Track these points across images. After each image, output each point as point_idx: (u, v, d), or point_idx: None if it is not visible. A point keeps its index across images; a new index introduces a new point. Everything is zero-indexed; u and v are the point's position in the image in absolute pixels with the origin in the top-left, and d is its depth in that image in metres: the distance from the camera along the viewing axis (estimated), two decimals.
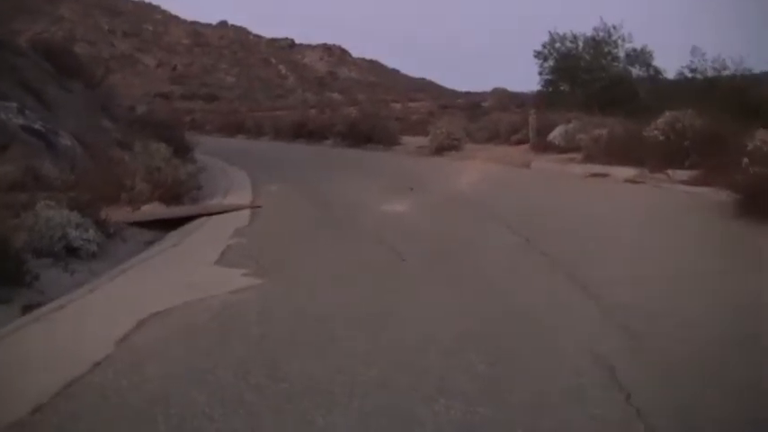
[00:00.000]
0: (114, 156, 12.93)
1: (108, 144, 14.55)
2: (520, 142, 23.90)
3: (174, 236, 10.00)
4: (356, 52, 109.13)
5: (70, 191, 10.41)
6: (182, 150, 18.49)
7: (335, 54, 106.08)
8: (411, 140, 28.53)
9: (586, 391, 4.00)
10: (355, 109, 45.72)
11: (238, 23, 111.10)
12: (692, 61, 25.39)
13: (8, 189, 10.25)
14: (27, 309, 6.38)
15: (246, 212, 11.61)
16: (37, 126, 12.45)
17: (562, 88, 30.11)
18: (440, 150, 24.08)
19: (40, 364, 4.71)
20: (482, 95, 59.90)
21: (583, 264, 7.23)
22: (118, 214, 10.55)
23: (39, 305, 6.46)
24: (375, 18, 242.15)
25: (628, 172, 15.15)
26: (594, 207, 11.70)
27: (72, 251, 8.27)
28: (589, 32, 29.53)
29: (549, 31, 29.68)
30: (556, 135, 21.05)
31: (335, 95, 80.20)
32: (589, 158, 17.65)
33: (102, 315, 5.92)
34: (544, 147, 21.15)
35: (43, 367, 4.64)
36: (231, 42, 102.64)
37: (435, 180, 16.35)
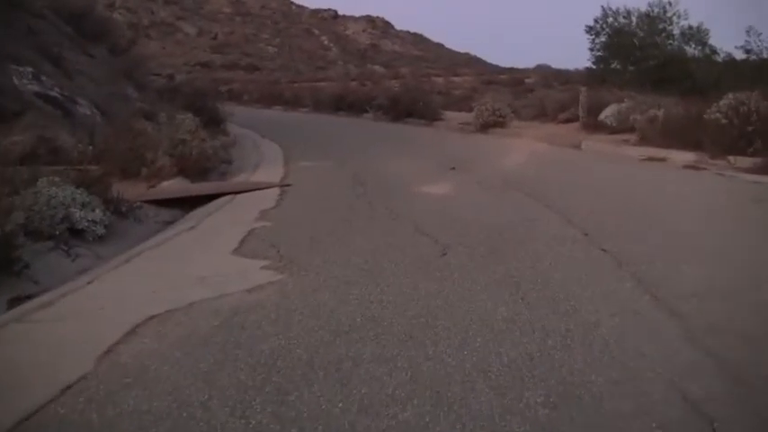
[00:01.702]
0: (137, 126, 12.07)
1: (132, 114, 13.69)
2: (568, 121, 22.81)
3: (193, 217, 9.17)
4: (400, 25, 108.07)
5: (88, 164, 9.66)
6: (213, 122, 17.86)
7: (379, 26, 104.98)
8: (454, 116, 27.61)
9: None
10: (397, 82, 44.92)
11: None
12: (747, 41, 24.27)
13: (19, 161, 9.50)
14: (14, 302, 5.62)
15: (275, 191, 10.73)
16: (53, 93, 11.67)
17: (613, 66, 28.91)
18: (484, 127, 23.01)
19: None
20: (525, 72, 58.79)
21: (652, 266, 6.21)
22: (135, 191, 9.75)
23: (28, 297, 5.70)
24: None
25: (686, 157, 14.14)
26: (655, 195, 10.59)
27: (77, 233, 7.47)
28: (643, 8, 28.35)
29: (602, 6, 28.56)
30: (608, 114, 19.93)
31: (378, 68, 79.07)
32: (644, 140, 16.57)
33: (92, 317, 5.06)
34: (595, 126, 20.06)
35: (3, 388, 3.79)
36: (273, 12, 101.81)
37: (480, 159, 15.33)
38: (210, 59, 76.26)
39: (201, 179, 11.82)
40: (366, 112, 31.98)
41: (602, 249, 6.83)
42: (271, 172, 13.14)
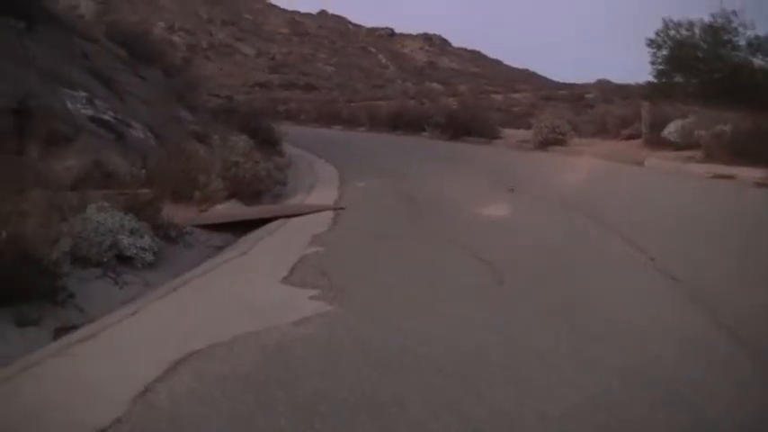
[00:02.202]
0: (189, 149, 11.96)
1: (184, 136, 13.62)
2: (630, 137, 22.35)
3: (245, 242, 8.97)
4: (457, 42, 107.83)
5: (140, 187, 9.54)
6: (268, 142, 17.77)
7: (436, 44, 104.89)
8: (512, 133, 27.26)
9: None
10: (455, 100, 44.70)
11: (337, 12, 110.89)
12: None
13: (72, 185, 9.42)
14: (60, 332, 5.49)
15: (329, 214, 10.50)
16: (107, 117, 11.59)
17: (676, 79, 28.18)
18: (544, 145, 22.68)
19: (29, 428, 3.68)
20: (585, 87, 58.08)
21: (729, 298, 5.81)
22: (187, 214, 9.60)
23: (73, 327, 5.53)
24: (477, 7, 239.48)
25: (756, 173, 13.59)
26: (727, 217, 10.11)
27: (125, 260, 7.30)
28: (706, 19, 27.58)
29: (663, 18, 27.88)
30: (671, 130, 19.40)
31: (435, 85, 78.86)
32: (710, 157, 16.03)
33: (132, 352, 4.84)
34: (658, 143, 19.56)
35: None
36: (330, 32, 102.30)
37: (539, 179, 14.98)
38: (268, 80, 76.73)
39: (255, 202, 11.68)
40: (424, 130, 31.75)
41: (673, 278, 6.44)
42: (325, 193, 12.93)
